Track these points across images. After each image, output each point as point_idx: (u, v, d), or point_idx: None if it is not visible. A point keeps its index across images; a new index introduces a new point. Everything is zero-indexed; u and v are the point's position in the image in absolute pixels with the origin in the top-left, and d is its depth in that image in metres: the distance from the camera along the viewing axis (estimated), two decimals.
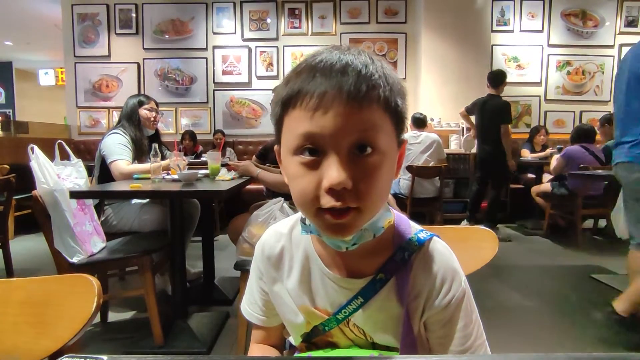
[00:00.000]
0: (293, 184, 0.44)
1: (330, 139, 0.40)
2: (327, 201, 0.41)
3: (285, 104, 0.43)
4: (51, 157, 1.62)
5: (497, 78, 3.69)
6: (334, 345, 0.55)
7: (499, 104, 3.60)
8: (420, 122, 3.61)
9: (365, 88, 0.40)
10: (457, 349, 0.50)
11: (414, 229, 0.54)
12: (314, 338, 0.56)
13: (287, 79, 0.44)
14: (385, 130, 0.42)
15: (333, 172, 0.39)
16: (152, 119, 2.26)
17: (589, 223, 3.92)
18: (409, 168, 3.34)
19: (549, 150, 4.32)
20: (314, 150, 0.41)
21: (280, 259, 0.57)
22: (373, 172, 0.42)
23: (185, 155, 2.95)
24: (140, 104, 2.24)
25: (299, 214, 0.53)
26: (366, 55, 0.44)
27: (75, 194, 1.55)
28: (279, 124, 0.46)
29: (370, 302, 0.50)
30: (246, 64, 5.17)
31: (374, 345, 0.54)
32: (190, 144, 4.37)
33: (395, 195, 3.58)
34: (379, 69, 0.42)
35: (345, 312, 0.51)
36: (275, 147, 0.49)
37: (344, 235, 0.44)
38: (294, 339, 0.59)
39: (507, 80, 5.12)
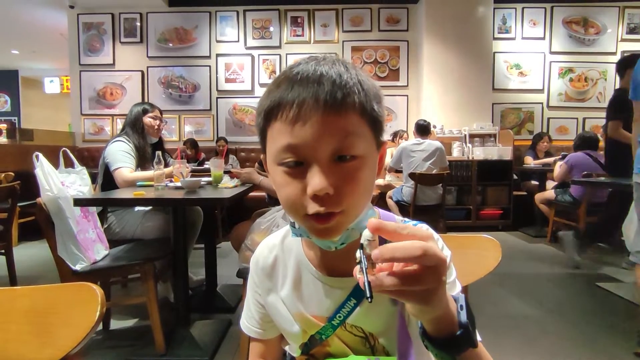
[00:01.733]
0: (280, 192, 0.47)
1: (310, 149, 0.42)
2: (313, 207, 0.43)
3: (267, 115, 0.45)
4: (55, 164, 1.64)
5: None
6: (332, 356, 0.55)
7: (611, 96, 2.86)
8: (423, 129, 3.59)
9: (340, 96, 0.42)
10: None
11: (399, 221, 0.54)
12: (313, 349, 0.56)
13: (268, 90, 0.46)
14: (362, 135, 0.44)
15: (316, 180, 0.42)
16: (156, 126, 2.28)
17: None
18: (412, 175, 3.32)
19: (552, 158, 4.31)
20: (297, 160, 0.43)
21: (274, 269, 0.59)
22: (354, 177, 0.44)
23: (188, 162, 2.96)
24: (145, 112, 2.26)
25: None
26: (341, 64, 0.45)
27: (79, 202, 1.55)
28: (262, 134, 0.48)
29: (363, 302, 0.51)
30: (249, 72, 5.21)
31: (372, 351, 0.53)
32: (192, 152, 4.38)
33: (397, 203, 3.57)
34: (354, 76, 0.44)
35: (340, 317, 0.52)
36: (262, 155, 0.52)
37: (331, 237, 0.47)
38: (294, 351, 0.59)
39: (509, 87, 5.20)
